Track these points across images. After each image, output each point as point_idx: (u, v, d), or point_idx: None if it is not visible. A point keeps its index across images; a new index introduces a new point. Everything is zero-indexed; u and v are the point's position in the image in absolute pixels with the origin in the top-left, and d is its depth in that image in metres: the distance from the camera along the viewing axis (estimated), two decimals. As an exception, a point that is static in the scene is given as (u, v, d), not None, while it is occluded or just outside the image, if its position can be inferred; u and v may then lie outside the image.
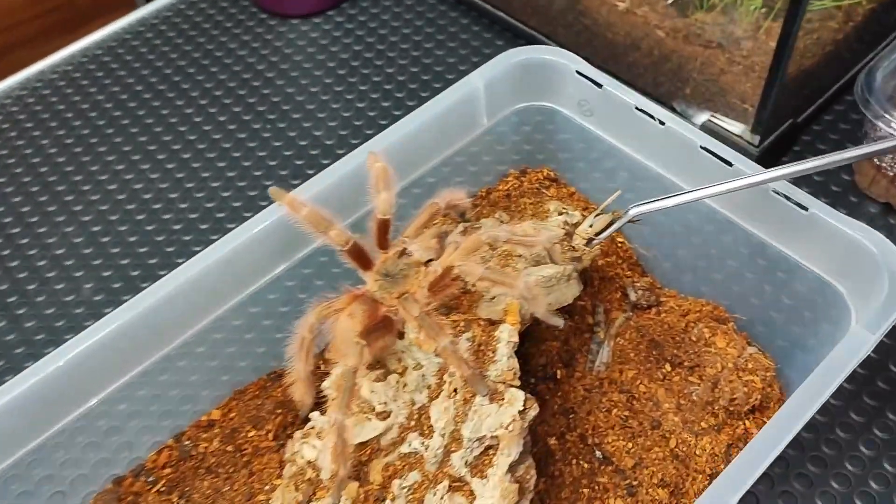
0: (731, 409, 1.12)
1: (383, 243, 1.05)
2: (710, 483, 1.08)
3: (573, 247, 1.10)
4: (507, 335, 0.97)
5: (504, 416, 0.94)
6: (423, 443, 0.96)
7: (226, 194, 1.54)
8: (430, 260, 1.03)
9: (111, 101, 1.71)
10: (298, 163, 1.57)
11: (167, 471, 1.08)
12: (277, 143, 1.61)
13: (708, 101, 1.47)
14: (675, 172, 1.14)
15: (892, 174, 1.38)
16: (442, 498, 0.93)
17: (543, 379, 1.19)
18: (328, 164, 1.14)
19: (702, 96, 1.46)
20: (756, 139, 1.43)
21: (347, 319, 0.99)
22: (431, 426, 0.96)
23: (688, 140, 1.09)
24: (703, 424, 1.12)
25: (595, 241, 1.09)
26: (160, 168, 1.58)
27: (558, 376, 1.19)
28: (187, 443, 1.10)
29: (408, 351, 1.02)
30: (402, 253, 1.03)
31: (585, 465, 1.10)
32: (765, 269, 1.13)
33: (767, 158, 1.46)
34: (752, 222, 1.09)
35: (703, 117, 1.47)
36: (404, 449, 0.97)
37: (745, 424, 1.13)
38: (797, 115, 1.50)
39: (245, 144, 1.62)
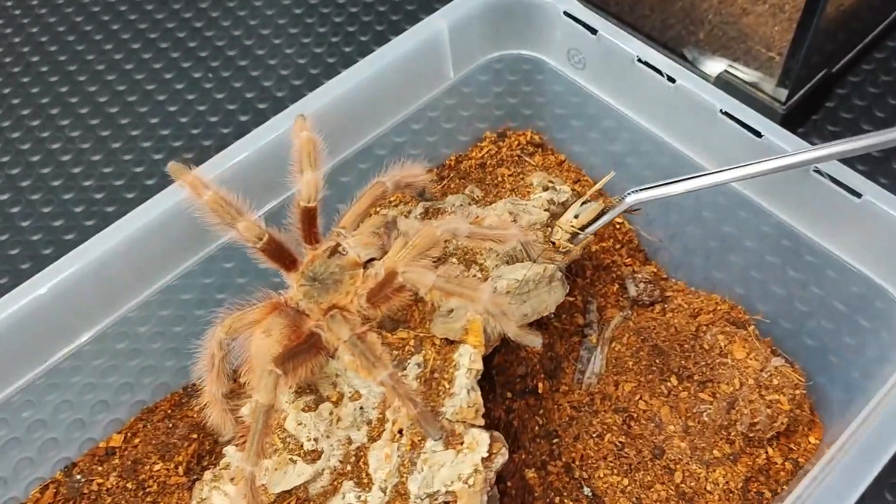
0: (751, 435, 0.91)
1: (311, 237, 0.82)
2: (723, 528, 0.88)
3: (554, 243, 0.87)
4: (467, 361, 0.75)
5: (463, 465, 0.73)
6: (359, 496, 0.75)
7: (157, 157, 1.30)
8: (372, 259, 0.80)
9: (28, 45, 1.46)
10: (243, 118, 1.34)
11: (53, 513, 0.88)
12: (220, 96, 1.38)
13: (725, 48, 1.22)
14: (687, 141, 0.91)
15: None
16: (382, 571, 0.72)
17: (522, 393, 0.97)
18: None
19: (718, 42, 1.22)
20: (783, 94, 1.19)
21: (263, 337, 0.77)
22: (370, 476, 0.75)
23: (705, 102, 0.86)
24: (715, 453, 0.91)
25: (582, 237, 0.86)
26: (81, 124, 1.34)
27: (540, 390, 0.97)
28: (79, 477, 0.90)
29: (343, 375, 0.80)
30: (335, 250, 0.81)
31: (571, 505, 0.89)
32: (798, 263, 0.90)
33: (796, 117, 1.23)
34: (785, 207, 0.86)
35: (718, 67, 1.23)
36: (337, 502, 0.76)
37: (767, 453, 0.92)
38: (832, 65, 1.25)
39: (183, 96, 1.38)
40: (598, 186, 0.90)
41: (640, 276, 1.02)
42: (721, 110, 0.84)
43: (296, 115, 0.86)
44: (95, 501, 0.88)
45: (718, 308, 0.98)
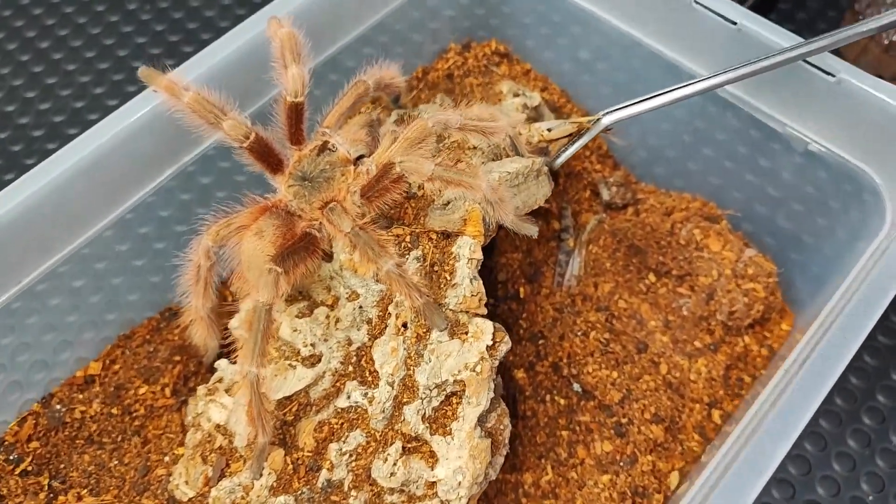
0: (730, 323, 0.94)
1: (297, 136, 0.80)
2: (708, 414, 0.91)
3: (528, 140, 0.87)
4: (467, 251, 0.75)
5: (469, 354, 0.73)
6: (365, 394, 0.74)
7: (84, 79, 1.24)
8: (361, 156, 0.79)
9: None
10: (174, 38, 1.28)
11: (34, 445, 0.84)
12: (146, 17, 1.30)
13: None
14: (661, 38, 0.91)
15: (886, 42, 1.18)
16: (395, 464, 0.72)
17: (504, 299, 0.98)
18: (212, 41, 0.87)
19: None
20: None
21: (255, 239, 0.75)
22: (376, 372, 0.74)
23: (679, -5, 0.86)
24: (696, 344, 0.94)
25: (562, 158, 0.86)
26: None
27: (522, 294, 0.98)
28: (58, 407, 0.86)
29: (338, 277, 0.79)
30: (323, 148, 0.79)
31: (562, 402, 0.91)
32: (762, 148, 0.93)
33: (760, 5, 1.25)
34: (750, 93, 0.87)
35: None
36: (341, 403, 0.75)
37: (744, 341, 0.95)
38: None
39: (106, 18, 1.30)
40: (579, 120, 0.89)
41: (611, 180, 1.04)
42: (694, 1, 0.85)
43: (268, 17, 0.83)
44: (80, 429, 0.85)
45: (690, 206, 1.00)
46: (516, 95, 0.98)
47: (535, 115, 0.96)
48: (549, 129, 0.89)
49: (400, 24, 1.00)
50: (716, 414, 0.91)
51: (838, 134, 0.83)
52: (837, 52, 1.15)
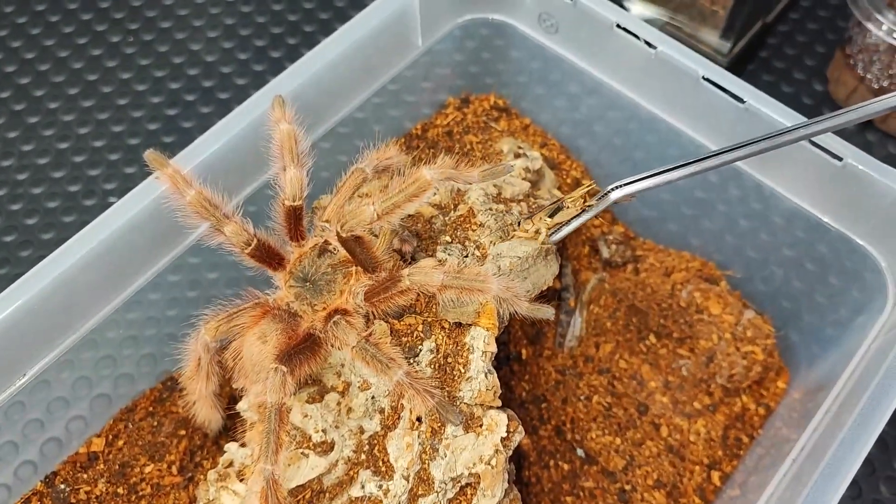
0: (729, 385, 0.95)
1: (297, 234, 0.79)
2: (708, 476, 0.93)
3: (526, 230, 0.85)
4: (482, 343, 0.75)
5: (484, 447, 0.74)
6: (380, 486, 0.74)
7: (93, 172, 1.19)
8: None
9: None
10: (186, 125, 1.23)
11: (40, 526, 0.83)
12: (157, 100, 1.25)
13: (669, 1, 1.24)
14: (663, 106, 0.92)
15: (876, 87, 1.20)
16: (411, 557, 0.72)
17: (506, 360, 0.99)
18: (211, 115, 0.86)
19: (663, -3, 1.23)
20: (726, 46, 1.22)
21: (258, 343, 0.75)
22: (390, 464, 0.74)
23: (685, 69, 0.86)
24: (695, 405, 0.95)
25: (564, 232, 0.84)
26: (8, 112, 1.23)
27: (524, 356, 0.99)
28: (62, 486, 0.85)
29: (349, 365, 0.79)
30: (325, 249, 0.78)
31: (566, 467, 0.92)
32: (767, 219, 0.94)
33: (737, 66, 1.26)
34: (757, 166, 0.88)
35: (659, 21, 1.24)
36: (355, 492, 0.75)
37: (741, 401, 0.97)
38: (767, 14, 1.29)
39: (112, 101, 1.25)
40: (577, 193, 0.85)
41: (610, 237, 1.04)
42: (703, 76, 0.85)
43: (273, 95, 0.81)
44: (86, 510, 0.84)
45: (690, 265, 1.01)
46: (517, 156, 0.98)
47: (536, 179, 0.96)
48: (550, 216, 0.85)
49: (395, 85, 0.99)
50: (715, 475, 0.93)
51: (844, 214, 0.84)
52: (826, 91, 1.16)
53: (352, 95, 0.93)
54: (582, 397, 0.95)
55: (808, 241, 0.90)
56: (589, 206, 0.83)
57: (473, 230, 0.85)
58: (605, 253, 1.03)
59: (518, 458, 0.93)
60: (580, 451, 0.93)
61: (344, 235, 0.71)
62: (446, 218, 0.87)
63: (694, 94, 0.86)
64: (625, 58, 0.90)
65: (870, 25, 1.13)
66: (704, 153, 0.78)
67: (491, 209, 0.87)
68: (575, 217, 0.84)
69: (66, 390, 0.87)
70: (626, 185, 0.82)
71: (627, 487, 0.90)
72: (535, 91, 1.03)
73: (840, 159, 0.80)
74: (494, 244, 0.82)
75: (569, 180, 1.04)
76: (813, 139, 0.81)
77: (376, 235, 0.77)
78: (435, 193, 0.88)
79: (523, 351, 0.98)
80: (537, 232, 0.82)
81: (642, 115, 0.94)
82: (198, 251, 0.86)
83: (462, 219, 0.86)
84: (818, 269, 0.92)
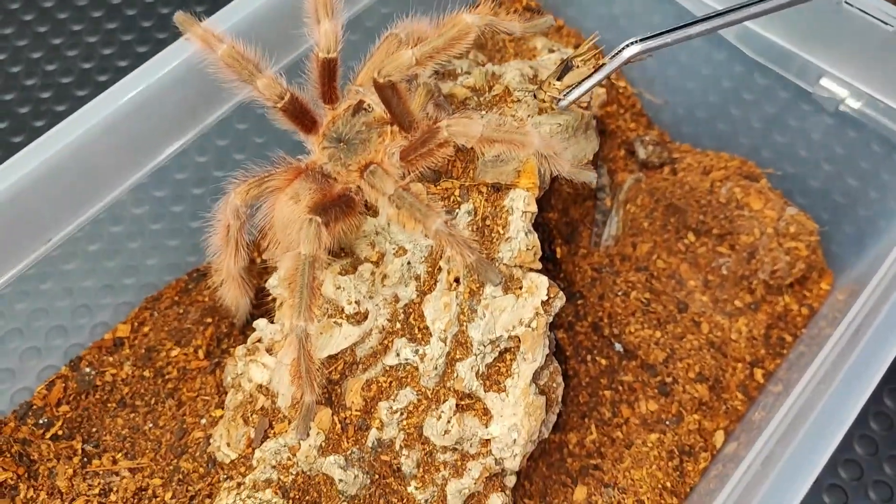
0: (771, 282, 0.92)
1: (330, 94, 0.77)
2: (751, 373, 0.90)
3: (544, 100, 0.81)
4: (521, 204, 0.73)
5: (524, 309, 0.71)
6: (416, 350, 0.72)
7: (91, 39, 1.18)
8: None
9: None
10: None
11: (64, 408, 0.81)
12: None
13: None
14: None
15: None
16: (449, 422, 0.70)
17: (541, 259, 0.95)
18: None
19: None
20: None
21: (290, 203, 0.72)
22: (427, 328, 0.72)
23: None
24: (736, 303, 0.92)
25: (576, 95, 0.78)
26: (6, 13, 1.21)
27: (559, 255, 0.96)
28: (88, 370, 0.83)
29: (384, 232, 0.76)
30: (359, 108, 0.76)
31: (603, 362, 0.89)
32: (808, 114, 0.91)
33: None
34: (802, 45, 0.85)
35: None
36: (390, 360, 0.73)
37: (784, 300, 0.94)
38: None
39: None
40: (584, 48, 0.81)
41: (647, 138, 1.01)
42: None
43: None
44: (111, 392, 0.82)
45: (729, 164, 0.98)
46: (551, 51, 0.95)
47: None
48: (558, 79, 0.79)
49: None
50: (758, 373, 0.89)
51: (890, 87, 0.81)
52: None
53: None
54: (619, 293, 0.92)
55: (851, 138, 0.87)
56: (602, 64, 0.78)
57: (510, 107, 0.82)
58: (642, 154, 1.01)
59: (555, 355, 0.90)
60: (618, 346, 0.90)
61: (382, 81, 0.68)
62: (481, 99, 0.85)
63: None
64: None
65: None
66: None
67: (528, 89, 0.84)
68: (587, 77, 0.78)
69: (78, 278, 0.86)
70: (640, 41, 0.76)
71: (668, 380, 0.87)
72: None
73: (892, 26, 0.77)
74: (532, 117, 0.80)
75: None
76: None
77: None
78: (469, 76, 0.87)
79: (558, 250, 0.96)
80: (553, 99, 0.78)
81: (681, 13, 0.91)
82: (225, 130, 0.84)
83: (498, 98, 0.83)
84: (868, 166, 0.89)
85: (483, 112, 0.81)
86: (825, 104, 0.89)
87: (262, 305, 0.87)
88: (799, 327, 0.93)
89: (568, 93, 0.78)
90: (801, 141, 0.96)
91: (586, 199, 0.98)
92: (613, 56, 0.76)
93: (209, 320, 0.87)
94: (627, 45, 0.76)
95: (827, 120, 0.92)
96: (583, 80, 0.78)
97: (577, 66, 0.78)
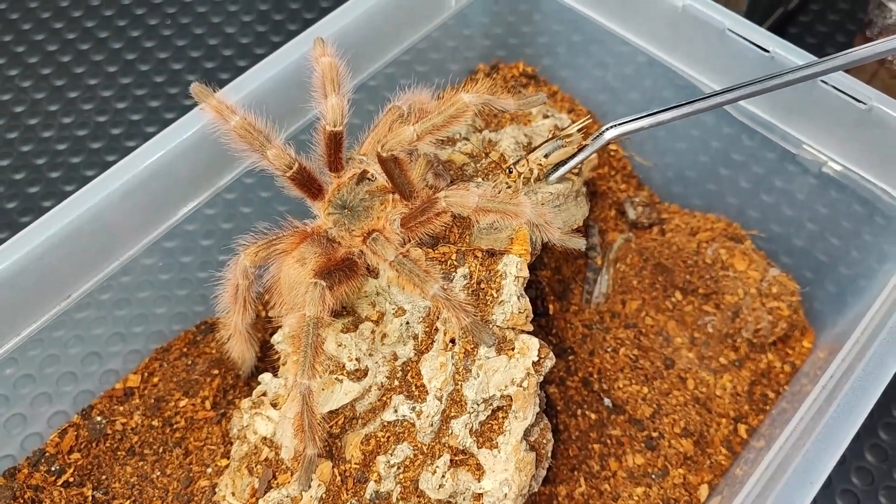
0: (755, 341, 0.96)
1: (336, 164, 0.82)
2: (734, 429, 0.93)
3: (520, 173, 0.85)
4: (514, 269, 0.77)
5: (516, 370, 0.75)
6: (413, 408, 0.76)
7: (121, 105, 1.26)
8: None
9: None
10: (209, 65, 1.31)
11: (75, 456, 0.85)
12: (181, 42, 1.33)
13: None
14: (694, 63, 0.94)
15: (896, 67, 1.22)
16: (443, 476, 0.73)
17: (534, 315, 0.99)
18: (246, 68, 0.89)
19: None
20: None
21: (297, 266, 0.77)
22: (423, 386, 0.76)
23: (712, 21, 0.89)
24: (721, 360, 0.96)
25: (560, 172, 0.84)
26: (38, 78, 1.28)
27: (551, 311, 1.00)
28: (99, 419, 0.87)
29: (385, 293, 0.81)
30: (362, 177, 0.80)
31: (593, 416, 0.93)
32: (793, 175, 0.96)
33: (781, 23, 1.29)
34: (782, 118, 0.90)
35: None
36: (388, 416, 0.77)
37: (767, 357, 0.98)
38: (788, 2, 1.32)
39: (140, 44, 1.33)
40: (571, 129, 0.84)
41: (637, 199, 1.06)
42: (728, 28, 0.88)
43: (313, 37, 0.84)
44: (121, 441, 0.85)
45: (715, 226, 1.03)
46: (546, 117, 1.00)
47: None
48: (545, 156, 0.85)
49: (435, 53, 1.03)
50: (742, 428, 0.93)
51: (864, 158, 0.86)
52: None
53: (382, 52, 0.96)
54: (609, 349, 0.96)
55: (833, 199, 0.92)
56: (585, 145, 0.83)
57: (505, 176, 0.87)
58: (632, 214, 1.05)
59: (546, 409, 0.94)
60: (607, 401, 0.93)
61: (384, 155, 0.73)
62: (478, 165, 0.89)
63: (722, 46, 0.89)
64: (653, 15, 0.93)
65: (891, 5, 1.16)
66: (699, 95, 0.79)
67: (509, 165, 0.89)
68: (571, 156, 0.83)
69: (108, 321, 0.90)
70: (620, 124, 0.81)
71: (655, 434, 0.90)
72: (564, 57, 1.06)
73: (864, 103, 0.82)
74: (524, 185, 0.84)
75: (596, 144, 1.06)
76: (837, 86, 0.84)
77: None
78: (466, 142, 0.92)
79: (550, 306, 1.00)
80: (531, 172, 0.83)
81: (681, 81, 0.96)
82: (233, 185, 0.89)
83: (493, 165, 0.88)
84: (850, 226, 0.94)
85: (479, 180, 0.86)
86: (809, 166, 0.93)
87: (266, 358, 0.91)
88: (782, 384, 0.97)
89: (551, 171, 0.84)
90: (786, 201, 1.00)
91: (578, 258, 1.03)
92: (595, 138, 0.82)
93: (216, 372, 0.90)
94: (607, 129, 0.82)
95: (811, 180, 0.96)
96: (567, 160, 0.84)
97: (564, 146, 0.83)
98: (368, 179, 0.81)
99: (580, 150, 0.84)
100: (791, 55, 0.85)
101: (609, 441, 0.91)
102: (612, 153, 1.09)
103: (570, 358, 0.97)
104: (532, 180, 0.84)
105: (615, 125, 0.81)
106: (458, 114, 0.73)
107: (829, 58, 0.76)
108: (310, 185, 0.80)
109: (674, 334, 0.97)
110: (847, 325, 0.94)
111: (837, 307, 0.98)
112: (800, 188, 0.98)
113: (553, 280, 1.01)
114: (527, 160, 0.86)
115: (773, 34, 0.88)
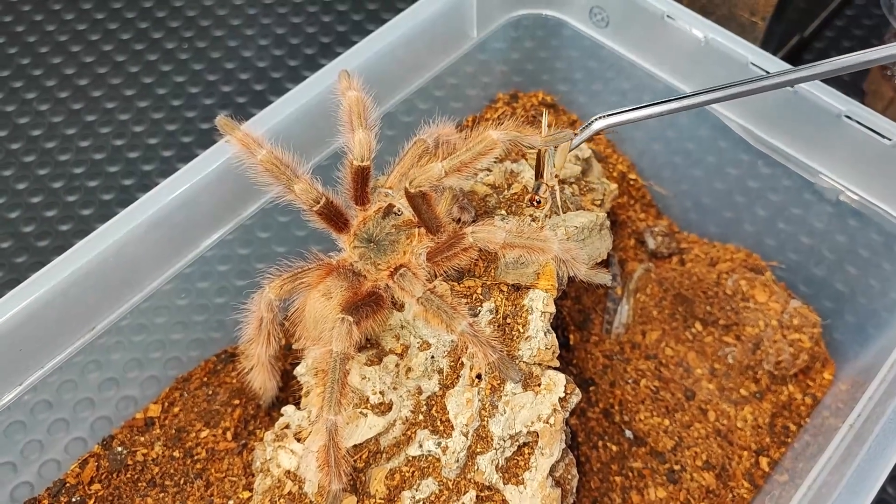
0: (776, 373, 0.96)
1: (362, 197, 0.81)
2: (756, 461, 0.93)
3: (541, 199, 0.84)
4: (541, 304, 0.77)
5: (542, 406, 0.75)
6: (438, 443, 0.75)
7: (153, 141, 1.26)
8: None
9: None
10: (241, 100, 1.30)
11: (95, 487, 0.85)
12: (213, 77, 1.33)
13: (706, 12, 1.27)
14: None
15: (913, 96, 1.22)
16: (469, 513, 0.73)
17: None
18: (274, 101, 0.89)
19: (699, 5, 1.27)
20: (765, 57, 1.25)
21: (323, 300, 0.76)
22: (449, 421, 0.76)
23: (734, 55, 0.89)
24: (742, 392, 0.96)
25: (557, 164, 0.82)
26: (66, 111, 1.28)
27: (572, 341, 1.00)
28: (119, 449, 0.87)
29: (409, 326, 0.80)
30: (388, 211, 0.80)
31: (614, 448, 0.92)
32: (810, 204, 0.96)
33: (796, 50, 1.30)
34: (803, 150, 0.91)
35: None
36: (413, 451, 0.76)
37: (788, 389, 0.97)
38: (804, 29, 1.32)
39: (171, 79, 1.33)
40: (554, 132, 0.80)
41: (656, 229, 1.06)
42: (751, 62, 0.88)
43: (339, 70, 0.85)
44: (142, 472, 0.85)
45: (735, 256, 1.03)
46: (566, 146, 1.00)
47: (585, 167, 0.99)
48: (553, 166, 0.83)
49: (452, 78, 1.03)
50: (763, 461, 0.93)
51: (882, 189, 0.86)
52: (863, 102, 1.19)
53: (406, 82, 0.97)
54: (630, 381, 0.96)
55: (852, 228, 0.92)
56: (574, 133, 0.82)
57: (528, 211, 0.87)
58: (651, 244, 1.05)
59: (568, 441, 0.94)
60: (628, 433, 0.93)
61: (412, 191, 0.73)
62: (500, 196, 0.89)
63: (741, 77, 0.89)
64: (673, 48, 0.93)
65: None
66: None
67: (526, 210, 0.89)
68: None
69: (133, 352, 0.90)
70: (608, 115, 0.82)
71: (677, 467, 0.90)
72: (585, 86, 1.07)
73: (889, 139, 0.82)
74: (549, 217, 0.84)
75: (615, 173, 1.06)
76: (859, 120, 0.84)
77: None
78: (489, 173, 0.92)
79: (571, 336, 1.00)
80: (553, 190, 0.82)
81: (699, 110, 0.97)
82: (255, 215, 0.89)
83: (516, 196, 0.88)
84: (869, 256, 0.93)
85: (503, 212, 0.86)
86: (826, 194, 0.93)
87: (287, 388, 0.91)
88: (803, 416, 0.97)
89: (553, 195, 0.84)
90: (804, 230, 1.00)
91: (598, 288, 1.02)
92: (583, 129, 0.82)
93: (237, 402, 0.90)
94: (595, 120, 0.82)
95: (828, 209, 0.96)
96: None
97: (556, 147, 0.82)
98: (395, 213, 0.81)
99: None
100: (811, 86, 0.85)
101: (630, 474, 0.91)
102: (632, 182, 1.09)
103: (591, 389, 0.97)
104: (559, 201, 0.84)
105: (603, 116, 0.82)
106: (486, 150, 0.73)
107: (814, 64, 0.76)
108: (336, 219, 0.80)
109: (694, 365, 0.97)
110: (871, 358, 0.94)
111: (858, 338, 0.98)
112: (817, 217, 0.98)
113: (573, 310, 1.01)
114: (546, 184, 0.85)
115: (790, 63, 0.88)
